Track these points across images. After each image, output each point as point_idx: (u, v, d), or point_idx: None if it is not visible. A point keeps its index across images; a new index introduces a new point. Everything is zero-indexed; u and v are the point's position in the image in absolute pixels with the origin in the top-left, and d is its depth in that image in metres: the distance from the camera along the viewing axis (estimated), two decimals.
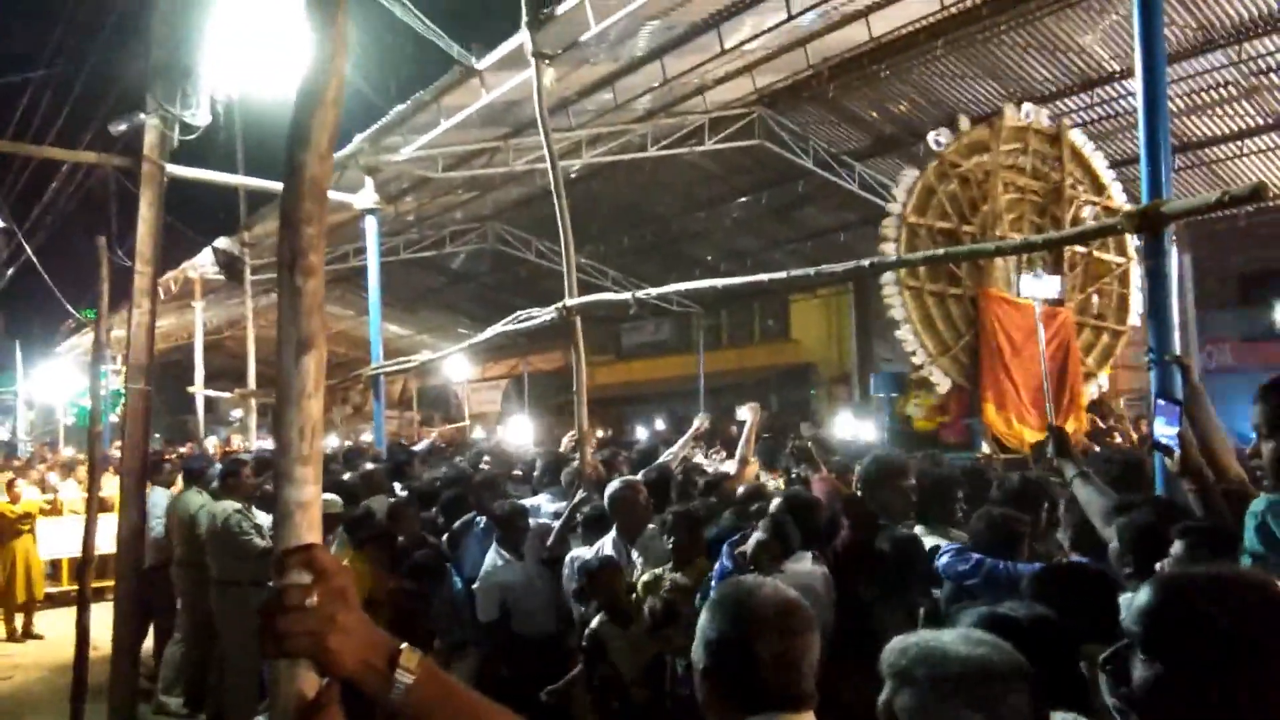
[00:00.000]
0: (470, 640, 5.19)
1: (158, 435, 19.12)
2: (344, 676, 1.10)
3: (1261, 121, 11.85)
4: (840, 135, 14.06)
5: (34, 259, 13.93)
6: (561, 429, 12.14)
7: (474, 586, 5.24)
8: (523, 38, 6.81)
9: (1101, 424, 9.96)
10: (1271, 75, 10.95)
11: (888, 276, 9.20)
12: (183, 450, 14.95)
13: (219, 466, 7.51)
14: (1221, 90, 11.32)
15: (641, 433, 14.88)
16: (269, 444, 10.96)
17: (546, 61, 6.80)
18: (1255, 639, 1.26)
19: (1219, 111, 11.78)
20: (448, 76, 9.34)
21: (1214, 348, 15.96)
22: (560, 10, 7.40)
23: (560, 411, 19.61)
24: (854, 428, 12.31)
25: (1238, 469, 3.23)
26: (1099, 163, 10.72)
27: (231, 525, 6.27)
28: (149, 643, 7.57)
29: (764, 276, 5.97)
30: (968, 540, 3.65)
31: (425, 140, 10.70)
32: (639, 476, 5.36)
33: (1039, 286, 8.20)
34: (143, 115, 6.49)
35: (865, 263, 6.04)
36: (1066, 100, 11.88)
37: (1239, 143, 12.33)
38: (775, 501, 3.96)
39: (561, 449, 7.80)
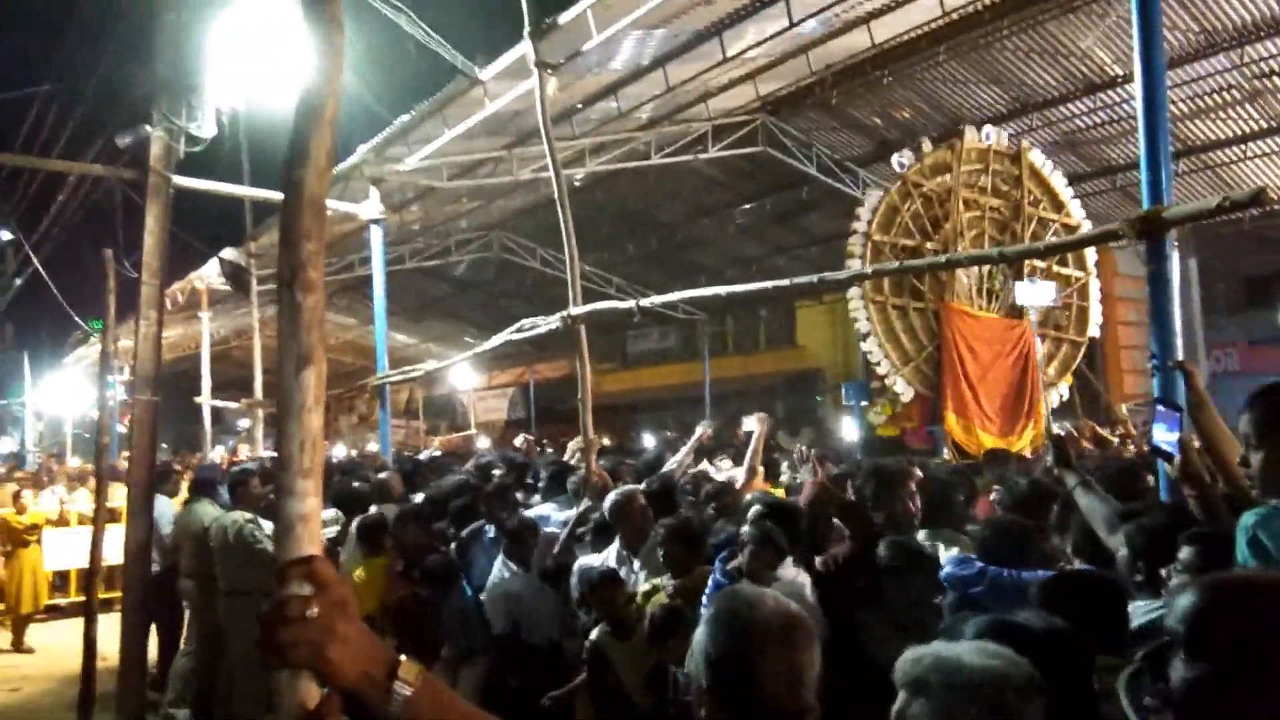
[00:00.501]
0: (479, 648, 5.17)
1: (165, 445, 19.14)
2: (344, 687, 1.11)
3: (1265, 125, 11.84)
4: (843, 141, 14.08)
5: (41, 271, 13.95)
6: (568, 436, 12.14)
7: (482, 597, 5.23)
8: (525, 48, 6.84)
9: (1102, 431, 9.95)
10: (1274, 78, 10.95)
11: (853, 291, 9.64)
12: (192, 460, 14.97)
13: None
14: (1224, 94, 11.32)
15: (649, 440, 14.86)
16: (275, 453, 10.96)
17: (549, 71, 6.84)
18: None
19: (1222, 115, 11.78)
20: (451, 86, 9.38)
21: (1221, 352, 15.90)
22: (562, 20, 7.43)
23: (567, 419, 19.60)
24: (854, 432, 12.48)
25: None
26: (1058, 181, 11.17)
27: (245, 534, 6.27)
28: (152, 652, 7.57)
29: (768, 284, 5.99)
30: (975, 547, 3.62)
31: (430, 150, 10.73)
32: (642, 486, 5.34)
33: (1034, 293, 8.23)
34: (148, 128, 6.56)
35: (869, 269, 6.07)
36: (1069, 105, 11.89)
37: (1242, 146, 12.33)
38: (753, 509, 3.91)
39: (566, 457, 7.80)
